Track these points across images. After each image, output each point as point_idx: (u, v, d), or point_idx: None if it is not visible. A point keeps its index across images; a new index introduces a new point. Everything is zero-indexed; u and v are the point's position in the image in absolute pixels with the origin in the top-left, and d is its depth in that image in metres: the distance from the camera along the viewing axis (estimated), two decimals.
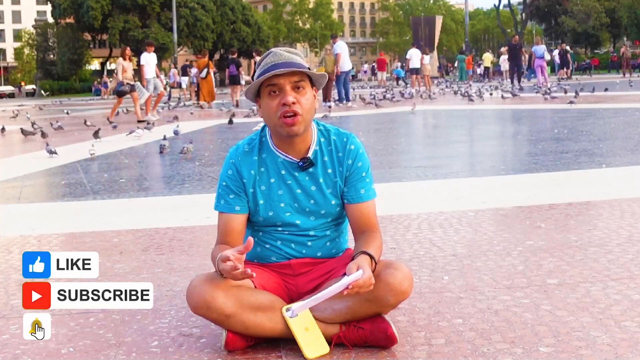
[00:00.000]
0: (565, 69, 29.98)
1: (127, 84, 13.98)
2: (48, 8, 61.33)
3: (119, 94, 14.40)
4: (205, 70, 19.99)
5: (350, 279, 1.90)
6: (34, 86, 57.90)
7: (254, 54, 15.39)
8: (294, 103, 2.04)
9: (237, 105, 18.04)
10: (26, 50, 73.68)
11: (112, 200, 5.08)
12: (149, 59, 14.95)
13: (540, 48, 22.86)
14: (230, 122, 12.02)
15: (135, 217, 4.37)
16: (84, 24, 52.15)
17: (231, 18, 55.35)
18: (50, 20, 57.12)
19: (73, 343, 2.17)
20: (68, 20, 53.46)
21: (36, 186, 6.30)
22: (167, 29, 49.61)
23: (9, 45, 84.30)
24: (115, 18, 50.81)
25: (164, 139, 8.51)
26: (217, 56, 55.75)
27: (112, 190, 5.53)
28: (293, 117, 2.04)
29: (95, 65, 65.90)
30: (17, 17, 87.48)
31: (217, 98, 22.88)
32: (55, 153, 8.15)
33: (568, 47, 32.06)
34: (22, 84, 66.30)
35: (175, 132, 10.21)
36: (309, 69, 2.11)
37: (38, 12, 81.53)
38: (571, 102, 12.82)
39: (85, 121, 12.97)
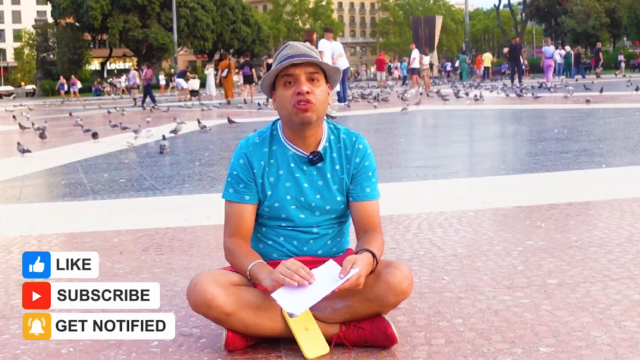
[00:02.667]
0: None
1: None
2: (48, 8, 61.35)
3: None
4: (226, 70, 22.63)
5: (343, 282, 1.91)
6: (34, 86, 57.87)
7: (267, 57, 16.10)
8: (308, 92, 2.07)
9: (244, 102, 20.74)
10: (26, 50, 73.67)
11: (112, 200, 5.08)
12: (327, 46, 13.03)
13: (550, 49, 23.62)
14: (230, 121, 12.00)
15: (135, 217, 4.37)
16: (84, 24, 52.19)
17: (231, 18, 55.39)
18: (50, 20, 57.11)
19: (73, 343, 2.16)
20: (68, 20, 53.49)
21: (36, 186, 6.30)
22: (167, 29, 49.63)
23: (9, 45, 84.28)
24: (115, 18, 50.83)
25: (164, 139, 8.52)
26: (216, 56, 55.76)
27: (112, 190, 5.53)
28: (306, 103, 2.07)
29: (95, 65, 65.89)
30: (17, 17, 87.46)
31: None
32: (29, 151, 8.12)
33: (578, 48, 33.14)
34: (22, 84, 66.26)
35: (174, 132, 10.23)
36: None
37: (38, 12, 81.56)
38: (588, 101, 12.89)
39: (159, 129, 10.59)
